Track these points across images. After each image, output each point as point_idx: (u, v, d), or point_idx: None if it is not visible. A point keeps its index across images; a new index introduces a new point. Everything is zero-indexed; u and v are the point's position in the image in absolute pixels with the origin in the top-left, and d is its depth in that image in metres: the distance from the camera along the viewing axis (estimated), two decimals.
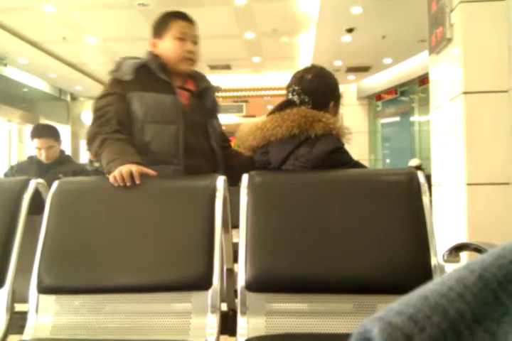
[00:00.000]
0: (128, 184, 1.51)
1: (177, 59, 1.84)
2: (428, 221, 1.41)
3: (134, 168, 1.54)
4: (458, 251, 1.51)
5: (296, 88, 1.74)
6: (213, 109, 1.96)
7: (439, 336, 0.25)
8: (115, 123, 1.69)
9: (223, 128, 2.09)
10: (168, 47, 1.85)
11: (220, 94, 11.22)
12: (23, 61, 8.71)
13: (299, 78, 1.76)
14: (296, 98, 1.73)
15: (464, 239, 2.55)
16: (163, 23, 1.87)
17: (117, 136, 1.67)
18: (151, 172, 1.58)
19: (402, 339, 0.24)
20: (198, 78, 1.95)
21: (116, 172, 1.52)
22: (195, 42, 1.88)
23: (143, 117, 1.75)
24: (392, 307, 0.26)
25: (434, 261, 1.36)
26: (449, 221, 2.83)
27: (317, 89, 1.73)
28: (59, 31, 7.26)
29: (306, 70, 1.79)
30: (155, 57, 1.84)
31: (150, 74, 1.80)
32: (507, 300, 0.26)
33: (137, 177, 1.52)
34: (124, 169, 1.52)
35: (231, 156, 1.97)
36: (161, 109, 1.77)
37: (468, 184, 2.62)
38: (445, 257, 1.49)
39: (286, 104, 1.72)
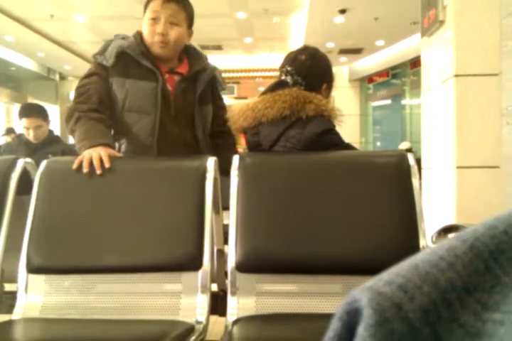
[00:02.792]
0: (98, 172, 1.48)
1: (148, 42, 1.72)
2: (417, 203, 1.42)
3: (103, 152, 1.51)
4: (446, 232, 1.52)
5: (290, 69, 1.71)
6: (205, 94, 1.83)
7: (429, 305, 0.25)
8: (95, 102, 1.65)
9: None
10: (143, 28, 1.74)
11: None
12: (10, 39, 8.53)
13: (293, 59, 1.74)
14: (289, 79, 1.71)
15: (452, 221, 2.58)
16: (146, 3, 1.76)
17: (92, 115, 1.62)
18: (117, 154, 1.57)
19: (391, 308, 0.24)
20: (194, 58, 1.82)
21: (85, 156, 1.50)
22: (173, 23, 1.69)
23: (121, 104, 1.70)
24: (382, 276, 0.26)
25: (422, 243, 1.37)
26: (439, 203, 2.86)
27: (311, 70, 1.71)
28: (47, 8, 7.11)
29: (300, 51, 1.77)
30: (140, 39, 1.73)
31: (134, 59, 1.70)
32: (498, 270, 0.26)
33: (107, 161, 1.49)
34: (94, 154, 1.50)
35: (219, 147, 1.87)
36: (139, 98, 1.69)
37: (458, 167, 2.64)
38: (433, 239, 1.51)
39: (278, 85, 1.70)
